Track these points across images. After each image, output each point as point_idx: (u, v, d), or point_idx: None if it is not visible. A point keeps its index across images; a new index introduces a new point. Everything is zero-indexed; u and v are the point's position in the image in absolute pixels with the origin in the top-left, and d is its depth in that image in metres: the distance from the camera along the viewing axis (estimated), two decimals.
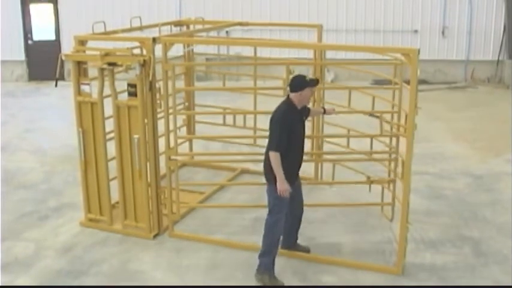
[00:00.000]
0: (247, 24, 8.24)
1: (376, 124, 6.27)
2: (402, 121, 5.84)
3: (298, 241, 5.83)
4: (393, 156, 6.26)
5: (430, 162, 8.53)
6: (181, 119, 7.75)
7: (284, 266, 5.55)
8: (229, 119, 7.62)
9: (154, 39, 5.83)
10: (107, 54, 5.88)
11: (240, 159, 7.21)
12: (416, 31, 14.38)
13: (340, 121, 7.23)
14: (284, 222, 5.38)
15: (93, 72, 6.16)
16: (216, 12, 14.06)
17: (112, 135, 6.18)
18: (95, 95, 6.08)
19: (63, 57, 6.20)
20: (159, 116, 6.18)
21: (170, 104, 6.01)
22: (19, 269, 5.61)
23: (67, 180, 7.96)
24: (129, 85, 5.92)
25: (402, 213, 5.33)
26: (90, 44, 6.26)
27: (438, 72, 14.46)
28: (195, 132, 8.35)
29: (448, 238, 6.18)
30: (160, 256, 5.85)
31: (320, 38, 7.40)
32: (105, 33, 6.55)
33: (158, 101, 6.02)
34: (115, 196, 6.35)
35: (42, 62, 14.75)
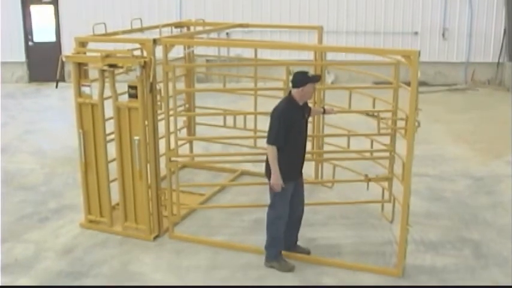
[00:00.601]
0: (247, 25, 8.25)
1: (376, 125, 6.30)
2: (399, 119, 5.94)
3: (298, 243, 5.85)
4: (388, 153, 6.30)
5: (430, 164, 8.53)
6: (181, 120, 7.75)
7: None
8: (229, 121, 7.62)
9: (154, 41, 5.84)
10: (107, 56, 5.89)
11: (240, 159, 7.21)
12: (416, 33, 14.38)
13: (340, 122, 7.25)
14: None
15: (93, 73, 6.15)
16: (217, 13, 14.07)
17: (112, 136, 6.18)
18: (96, 97, 6.08)
19: (64, 59, 6.20)
20: (159, 117, 6.18)
21: (171, 105, 6.02)
22: (19, 270, 5.61)
23: (67, 182, 7.96)
24: (129, 87, 5.92)
25: (402, 215, 5.33)
26: (91, 45, 6.27)
27: (438, 74, 14.46)
28: (196, 134, 8.36)
29: (448, 240, 6.18)
30: (161, 258, 5.85)
31: (320, 40, 7.41)
32: (106, 34, 6.55)
33: (159, 103, 6.02)
34: (115, 198, 6.35)
35: (43, 63, 14.75)
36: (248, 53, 8.58)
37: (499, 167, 8.48)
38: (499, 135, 10.07)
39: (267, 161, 5.37)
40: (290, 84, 5.30)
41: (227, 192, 7.46)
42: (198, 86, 9.42)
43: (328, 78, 13.69)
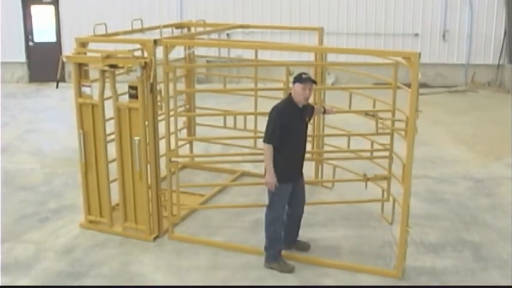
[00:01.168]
0: (248, 26, 8.25)
1: (375, 126, 6.32)
2: (396, 118, 6.04)
3: (298, 238, 5.91)
4: (388, 153, 6.34)
5: (430, 166, 8.53)
6: (181, 121, 7.75)
7: None
8: (229, 122, 7.62)
9: (155, 41, 5.84)
10: (108, 56, 5.89)
11: (240, 159, 7.22)
12: (417, 35, 14.39)
13: (340, 123, 7.25)
14: (286, 220, 5.55)
15: (94, 74, 6.16)
16: (217, 14, 14.06)
17: (112, 137, 6.19)
18: (96, 97, 6.08)
19: (64, 59, 6.20)
20: (159, 118, 6.19)
21: (171, 106, 6.03)
22: (19, 271, 5.61)
23: (67, 182, 7.96)
24: (130, 87, 5.92)
25: (402, 216, 5.33)
26: (91, 46, 6.27)
27: (438, 75, 14.46)
28: (196, 135, 8.36)
29: (448, 242, 6.17)
30: (160, 258, 5.85)
31: (321, 41, 7.41)
32: (106, 35, 6.56)
33: (159, 103, 6.02)
34: (115, 198, 6.35)
35: (43, 63, 14.77)
36: (248, 54, 8.59)
37: (499, 169, 8.48)
38: (499, 137, 10.08)
39: None
40: (290, 85, 5.35)
41: (227, 193, 7.46)
42: (198, 86, 9.43)
43: (329, 80, 13.69)
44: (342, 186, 7.26)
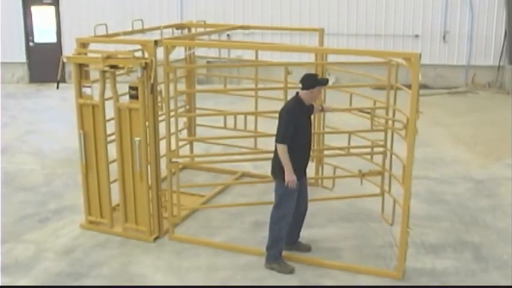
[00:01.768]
0: (248, 27, 8.25)
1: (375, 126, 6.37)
2: (391, 116, 6.23)
3: (299, 240, 5.91)
4: (382, 149, 6.43)
5: (431, 167, 8.53)
6: (182, 121, 7.75)
7: None
8: (230, 122, 7.62)
9: (156, 42, 5.84)
10: (108, 57, 5.89)
11: (240, 159, 7.22)
12: (417, 36, 14.39)
13: (340, 124, 7.26)
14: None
15: (94, 74, 6.16)
16: (218, 15, 14.08)
17: (113, 137, 6.18)
18: (96, 98, 6.09)
19: (65, 60, 6.20)
20: (160, 118, 6.19)
21: (171, 106, 6.03)
22: (19, 271, 5.61)
23: (67, 183, 7.96)
24: (130, 88, 5.92)
25: (403, 217, 5.34)
26: (92, 46, 6.27)
27: (439, 77, 14.46)
28: (196, 135, 8.35)
29: (449, 243, 6.18)
30: (161, 259, 5.85)
31: (321, 42, 7.41)
32: (107, 35, 6.56)
33: (159, 104, 6.03)
34: (115, 199, 6.35)
35: (44, 64, 14.77)
36: (249, 55, 8.59)
37: (499, 170, 8.48)
38: (499, 138, 10.08)
39: (273, 161, 5.45)
40: (299, 85, 5.37)
41: (227, 194, 7.46)
42: (198, 87, 9.43)
43: (329, 80, 13.67)
44: (341, 187, 7.26)
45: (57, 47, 15.00)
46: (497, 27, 14.08)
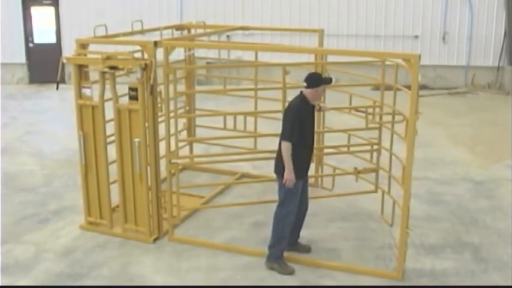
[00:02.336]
0: (248, 28, 8.25)
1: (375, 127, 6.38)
2: (384, 115, 6.35)
3: (299, 240, 5.92)
4: (375, 147, 6.51)
5: (430, 168, 8.54)
6: (181, 122, 7.75)
7: None
8: (229, 123, 7.61)
9: (155, 43, 5.84)
10: (108, 58, 5.89)
11: (240, 159, 7.22)
12: (417, 36, 14.40)
13: (340, 124, 7.26)
14: None
15: (94, 75, 6.16)
16: (217, 16, 14.08)
17: (113, 138, 6.19)
18: (96, 99, 6.09)
19: (64, 61, 6.20)
20: (159, 119, 6.19)
21: (171, 107, 6.03)
22: (19, 272, 5.61)
23: (67, 184, 7.96)
24: (130, 89, 5.92)
25: (402, 218, 5.34)
26: (92, 47, 6.27)
27: (438, 77, 14.47)
28: (196, 136, 8.35)
29: (448, 243, 6.18)
30: (160, 260, 5.85)
31: (321, 43, 7.41)
32: (107, 36, 6.56)
33: (159, 105, 6.03)
34: (115, 200, 6.35)
35: (43, 64, 14.77)
36: (248, 56, 8.59)
37: (499, 171, 8.49)
38: (499, 139, 10.08)
39: (277, 159, 5.46)
40: (303, 84, 5.38)
41: (227, 195, 7.46)
42: (198, 88, 9.43)
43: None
44: (341, 188, 7.25)
45: (56, 47, 15.00)
46: (497, 28, 14.09)
